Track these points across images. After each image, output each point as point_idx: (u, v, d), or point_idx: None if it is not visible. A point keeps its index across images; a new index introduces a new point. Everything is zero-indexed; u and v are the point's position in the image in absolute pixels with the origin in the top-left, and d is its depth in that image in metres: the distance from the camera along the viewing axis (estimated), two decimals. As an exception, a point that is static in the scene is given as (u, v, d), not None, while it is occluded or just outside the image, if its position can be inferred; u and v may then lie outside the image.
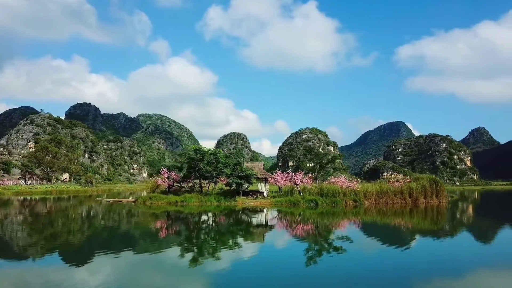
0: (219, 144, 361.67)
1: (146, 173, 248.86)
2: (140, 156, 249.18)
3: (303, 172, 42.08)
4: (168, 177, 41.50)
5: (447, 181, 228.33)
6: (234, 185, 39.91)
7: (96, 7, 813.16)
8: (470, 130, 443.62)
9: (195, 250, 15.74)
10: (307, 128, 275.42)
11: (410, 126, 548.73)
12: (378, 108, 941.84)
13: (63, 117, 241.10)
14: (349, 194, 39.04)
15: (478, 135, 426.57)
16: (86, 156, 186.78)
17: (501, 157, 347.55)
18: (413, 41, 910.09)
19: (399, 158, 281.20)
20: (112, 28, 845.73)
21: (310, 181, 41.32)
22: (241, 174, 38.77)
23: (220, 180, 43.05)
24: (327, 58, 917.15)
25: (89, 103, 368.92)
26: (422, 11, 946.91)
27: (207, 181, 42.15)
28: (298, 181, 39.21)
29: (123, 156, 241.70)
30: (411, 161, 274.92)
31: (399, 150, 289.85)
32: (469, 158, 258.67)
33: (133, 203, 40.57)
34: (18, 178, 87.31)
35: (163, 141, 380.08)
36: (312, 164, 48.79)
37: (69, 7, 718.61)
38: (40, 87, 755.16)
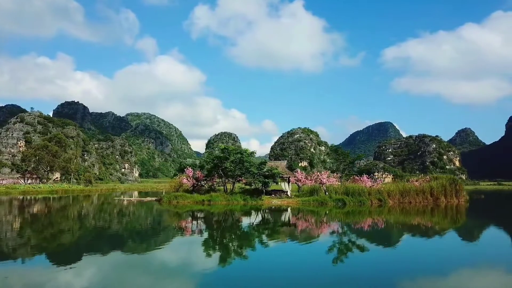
0: (209, 143, 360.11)
1: (138, 172, 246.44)
2: (131, 156, 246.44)
3: (329, 171, 42.39)
4: (193, 176, 41.30)
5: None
6: (260, 184, 39.95)
7: (83, 5, 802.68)
8: (457, 131, 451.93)
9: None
10: (298, 128, 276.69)
11: (397, 126, 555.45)
12: (365, 108, 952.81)
13: (49, 116, 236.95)
14: (373, 193, 39.46)
15: (464, 135, 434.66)
16: (70, 153, 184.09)
17: (487, 157, 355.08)
18: (399, 42, 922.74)
19: (389, 158, 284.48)
20: (98, 26, 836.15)
21: (336, 180, 41.58)
22: (267, 173, 38.82)
23: (240, 179, 42.97)
24: (314, 58, 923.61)
25: (77, 102, 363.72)
26: (407, 13, 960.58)
27: (229, 180, 42.05)
28: (324, 180, 39.41)
29: (114, 156, 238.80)
30: (401, 161, 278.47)
31: (390, 150, 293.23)
32: (458, 158, 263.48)
33: (157, 202, 40.26)
34: (18, 178, 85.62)
35: (152, 141, 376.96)
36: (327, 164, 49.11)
37: (55, 4, 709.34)
38: (24, 84, 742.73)
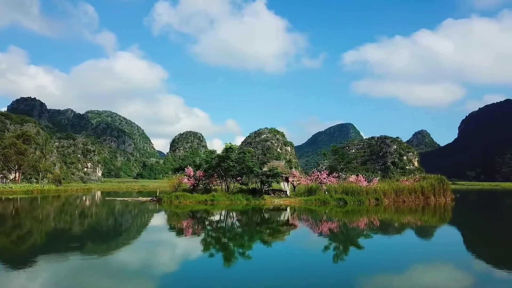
0: (174, 143, 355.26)
1: (101, 172, 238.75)
2: (94, 155, 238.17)
3: (328, 171, 43.34)
4: (193, 176, 40.90)
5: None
6: (259, 184, 40.20)
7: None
8: (414, 133, 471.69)
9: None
10: (265, 128, 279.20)
11: (357, 128, 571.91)
12: (326, 109, 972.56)
13: (6, 112, 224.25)
14: (371, 192, 40.81)
15: (420, 137, 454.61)
16: (37, 154, 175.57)
17: (441, 158, 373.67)
18: (357, 46, 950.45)
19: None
20: (55, 19, 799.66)
21: (336, 180, 42.58)
22: (269, 173, 39.17)
23: (240, 179, 43.04)
24: (277, 58, 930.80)
25: (34, 98, 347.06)
26: (366, 17, 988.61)
27: (232, 179, 42.06)
28: (324, 180, 40.29)
29: (76, 154, 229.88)
30: (364, 162, 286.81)
31: (353, 151, 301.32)
32: (417, 159, 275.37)
33: (155, 203, 39.51)
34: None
35: (114, 139, 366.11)
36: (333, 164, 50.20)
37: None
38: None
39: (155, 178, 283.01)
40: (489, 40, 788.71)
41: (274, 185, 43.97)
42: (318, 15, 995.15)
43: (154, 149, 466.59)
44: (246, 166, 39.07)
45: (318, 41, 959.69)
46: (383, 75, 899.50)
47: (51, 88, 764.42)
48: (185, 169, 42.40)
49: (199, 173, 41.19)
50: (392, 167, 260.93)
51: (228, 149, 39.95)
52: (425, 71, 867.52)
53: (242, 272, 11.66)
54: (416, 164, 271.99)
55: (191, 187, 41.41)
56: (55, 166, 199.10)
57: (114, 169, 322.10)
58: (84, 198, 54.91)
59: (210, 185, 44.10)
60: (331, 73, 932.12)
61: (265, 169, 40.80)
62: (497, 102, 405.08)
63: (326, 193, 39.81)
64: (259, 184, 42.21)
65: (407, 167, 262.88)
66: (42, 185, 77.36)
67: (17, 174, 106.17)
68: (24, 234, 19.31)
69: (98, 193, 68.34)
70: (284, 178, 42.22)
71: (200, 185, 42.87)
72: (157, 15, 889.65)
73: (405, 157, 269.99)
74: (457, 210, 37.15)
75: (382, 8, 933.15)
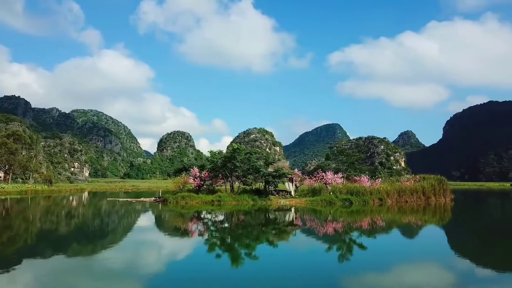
0: (161, 142, 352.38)
1: (88, 172, 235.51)
2: (81, 154, 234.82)
3: (333, 171, 43.70)
4: (199, 177, 40.80)
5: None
6: (263, 184, 40.32)
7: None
8: (400, 133, 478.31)
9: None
10: (254, 128, 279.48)
11: (344, 128, 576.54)
12: (312, 110, 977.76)
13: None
14: (374, 193, 41.30)
15: (406, 137, 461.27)
16: (23, 153, 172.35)
17: (427, 159, 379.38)
18: (343, 47, 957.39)
19: (340, 159, 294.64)
20: (39, 17, 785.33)
21: (341, 181, 42.95)
22: (275, 173, 39.33)
23: (245, 180, 43.06)
24: (264, 58, 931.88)
25: (18, 96, 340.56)
26: (352, 19, 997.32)
27: (238, 180, 42.06)
28: (329, 181, 40.62)
29: (63, 154, 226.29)
30: (352, 162, 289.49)
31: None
32: (403, 159, 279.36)
33: (159, 203, 39.26)
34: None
35: (101, 139, 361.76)
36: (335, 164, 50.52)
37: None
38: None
39: (142, 178, 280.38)
40: (472, 42, 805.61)
41: (278, 186, 44.14)
42: (305, 15, 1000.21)
43: (141, 148, 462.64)
44: (253, 167, 39.15)
45: (305, 41, 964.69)
46: (368, 76, 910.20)
47: (34, 86, 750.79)
48: (190, 169, 42.24)
49: (204, 173, 41.08)
50: (380, 167, 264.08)
51: (235, 150, 39.96)
52: (410, 73, 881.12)
53: (254, 272, 11.80)
54: (403, 164, 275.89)
55: (196, 187, 41.26)
56: (41, 166, 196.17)
57: (101, 169, 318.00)
58: (83, 198, 54.21)
59: (213, 185, 44.06)
60: (317, 73, 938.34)
61: (270, 169, 40.93)
62: (480, 104, 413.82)
63: (331, 193, 40.13)
64: (263, 184, 42.34)
65: (394, 167, 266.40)
66: (35, 186, 75.96)
67: (8, 174, 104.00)
68: (58, 238, 19.12)
69: (85, 194, 67.48)
70: (288, 178, 42.41)
71: (204, 186, 42.77)
72: (143, 14, 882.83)
73: (392, 157, 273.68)
74: (457, 210, 37.94)
75: (367, 9, 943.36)
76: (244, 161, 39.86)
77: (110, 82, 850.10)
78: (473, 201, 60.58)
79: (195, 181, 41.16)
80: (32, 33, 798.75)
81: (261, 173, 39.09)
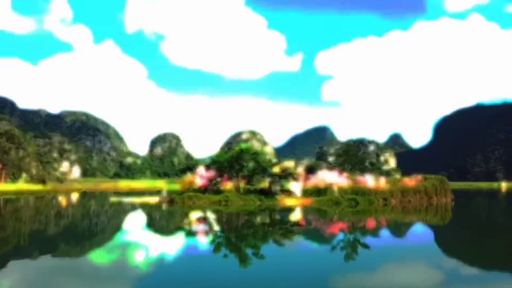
0: (152, 143, 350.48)
1: (78, 172, 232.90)
2: (71, 154, 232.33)
3: (339, 171, 44.02)
4: (206, 177, 40.78)
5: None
6: (268, 184, 40.53)
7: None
8: (389, 135, 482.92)
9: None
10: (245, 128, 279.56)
11: (332, 130, 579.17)
12: (302, 111, 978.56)
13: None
14: (379, 193, 41.76)
15: (395, 139, 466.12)
16: (20, 153, 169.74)
17: (416, 160, 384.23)
18: (331, 46, 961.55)
19: (331, 159, 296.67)
20: (24, 12, 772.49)
21: (346, 181, 43.24)
22: (282, 173, 39.55)
23: (251, 180, 43.17)
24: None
25: (4, 97, 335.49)
26: (339, 19, 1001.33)
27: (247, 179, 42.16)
28: (335, 181, 40.93)
29: (52, 154, 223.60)
30: (342, 162, 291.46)
31: (332, 151, 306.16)
32: (394, 160, 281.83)
33: (165, 204, 39.12)
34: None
35: (90, 138, 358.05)
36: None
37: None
38: None
39: (132, 178, 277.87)
40: (459, 44, 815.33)
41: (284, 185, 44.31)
42: (294, 14, 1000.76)
43: (130, 148, 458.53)
44: (260, 167, 39.30)
45: (294, 41, 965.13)
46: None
47: (20, 83, 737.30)
48: (194, 169, 42.20)
49: (211, 173, 41.05)
50: (370, 167, 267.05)
51: (243, 150, 40.06)
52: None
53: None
54: (392, 164, 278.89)
55: (203, 187, 41.18)
56: (31, 165, 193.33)
57: (90, 168, 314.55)
58: (84, 199, 53.73)
59: (218, 185, 43.96)
60: (306, 73, 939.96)
61: (276, 169, 41.10)
62: (468, 106, 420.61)
63: (337, 193, 40.43)
64: (267, 184, 42.48)
65: (384, 167, 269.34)
66: (30, 185, 75.02)
67: (1, 174, 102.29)
68: (95, 243, 19.00)
69: (83, 194, 66.96)
70: (294, 178, 42.59)
71: (210, 186, 42.70)
72: (131, 11, 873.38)
73: (382, 158, 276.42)
74: (458, 210, 38.61)
75: (355, 9, 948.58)
76: (250, 161, 39.98)
77: (100, 80, 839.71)
78: (473, 201, 61.61)
79: (202, 181, 41.06)
80: (16, 29, 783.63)
81: (268, 173, 39.21)
